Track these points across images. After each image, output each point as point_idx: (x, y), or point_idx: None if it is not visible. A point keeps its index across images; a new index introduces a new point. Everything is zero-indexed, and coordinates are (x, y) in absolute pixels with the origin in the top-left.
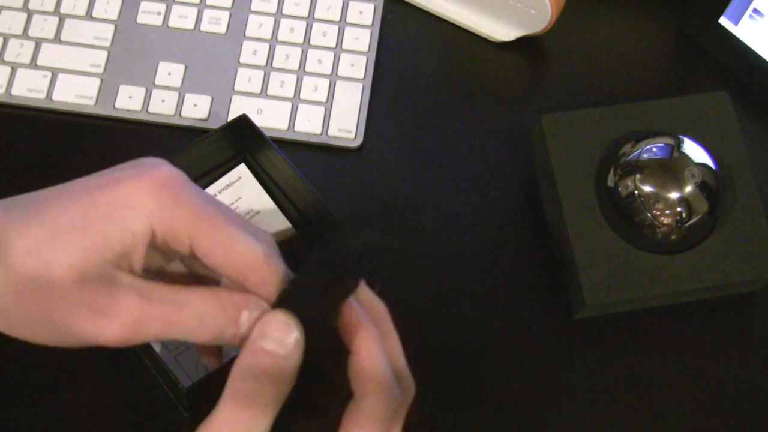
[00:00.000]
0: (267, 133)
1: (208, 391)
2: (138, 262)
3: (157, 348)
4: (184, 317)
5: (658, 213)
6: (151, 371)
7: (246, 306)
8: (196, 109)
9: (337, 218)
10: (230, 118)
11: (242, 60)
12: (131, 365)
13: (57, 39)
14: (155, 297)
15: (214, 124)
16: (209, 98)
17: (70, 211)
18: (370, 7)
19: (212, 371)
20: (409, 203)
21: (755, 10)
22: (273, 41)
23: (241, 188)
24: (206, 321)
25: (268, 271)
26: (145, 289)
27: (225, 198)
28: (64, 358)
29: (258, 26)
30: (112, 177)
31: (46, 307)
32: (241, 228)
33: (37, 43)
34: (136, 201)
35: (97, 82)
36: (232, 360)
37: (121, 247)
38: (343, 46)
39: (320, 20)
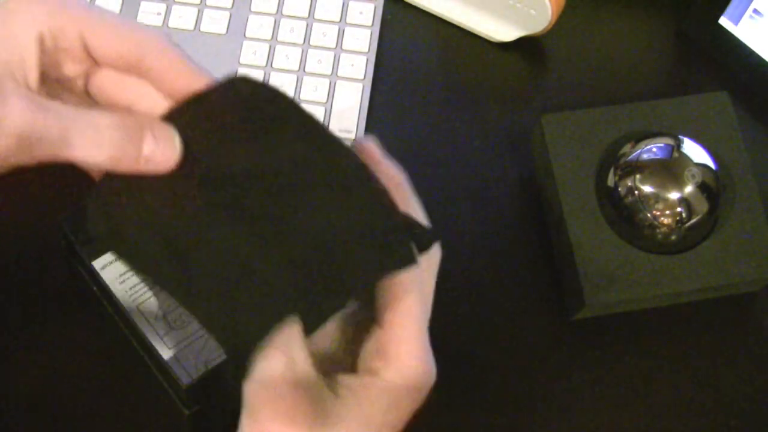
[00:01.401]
0: None
1: (208, 389)
2: (32, 72)
3: (157, 345)
4: (80, 127)
5: (658, 213)
6: (151, 369)
7: (151, 127)
8: None
9: None
10: None
11: (242, 60)
12: (131, 363)
13: None
14: (50, 107)
15: None
16: None
17: None
18: (370, 7)
19: (212, 368)
20: None
21: (755, 10)
22: (273, 41)
23: None
24: (105, 135)
25: (167, 48)
26: (38, 99)
27: None
28: (63, 356)
29: (258, 26)
30: None
31: None
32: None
33: None
34: (18, 7)
35: None
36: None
37: (8, 55)
38: (343, 47)
39: (320, 20)
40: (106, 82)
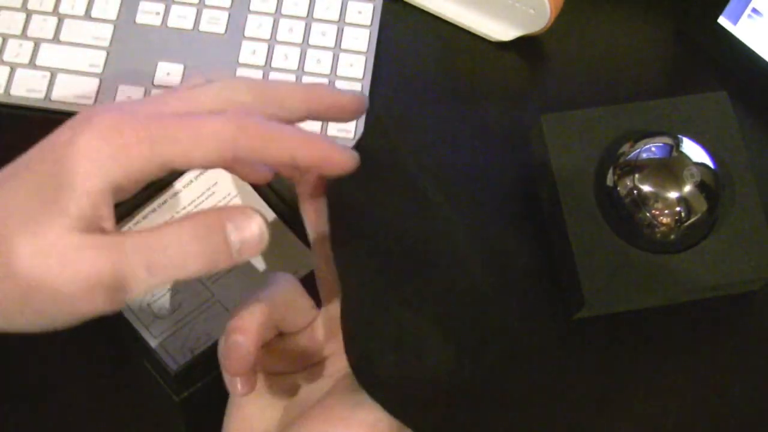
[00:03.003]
0: None
1: (196, 374)
2: (107, 218)
3: (143, 334)
4: (160, 254)
5: (657, 213)
6: (139, 357)
7: (227, 218)
8: None
9: None
10: None
11: (241, 60)
12: (120, 351)
13: (56, 39)
14: (129, 246)
15: None
16: None
17: (18, 195)
18: (369, 6)
19: (198, 354)
20: None
21: (754, 10)
22: (272, 41)
23: (218, 173)
24: (190, 248)
25: (239, 119)
26: (116, 243)
27: (201, 183)
28: (51, 346)
29: (257, 26)
30: (52, 150)
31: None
32: (199, 113)
33: (36, 44)
34: (81, 164)
35: (96, 82)
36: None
37: (79, 211)
38: (342, 46)
39: (319, 20)
40: None
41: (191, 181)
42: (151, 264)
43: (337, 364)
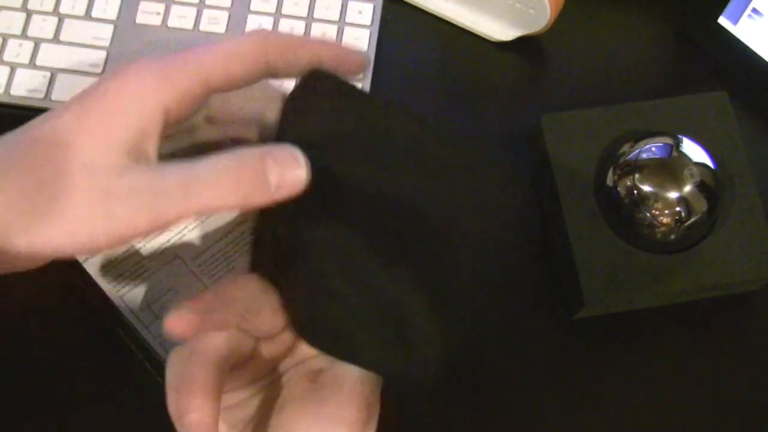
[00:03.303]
0: None
1: None
2: (152, 146)
3: (144, 334)
4: (202, 178)
5: (657, 213)
6: (139, 357)
7: (269, 153)
8: None
9: None
10: None
11: None
12: (120, 352)
13: (56, 39)
14: (168, 170)
15: None
16: None
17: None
18: (369, 6)
19: None
20: None
21: (754, 10)
22: None
23: None
24: (228, 177)
25: (273, 35)
26: (156, 169)
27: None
28: (51, 346)
29: (257, 26)
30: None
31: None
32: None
33: (36, 43)
34: (130, 89)
35: None
36: None
37: (128, 134)
38: None
39: (319, 20)
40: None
41: None
42: (188, 187)
43: (307, 350)
